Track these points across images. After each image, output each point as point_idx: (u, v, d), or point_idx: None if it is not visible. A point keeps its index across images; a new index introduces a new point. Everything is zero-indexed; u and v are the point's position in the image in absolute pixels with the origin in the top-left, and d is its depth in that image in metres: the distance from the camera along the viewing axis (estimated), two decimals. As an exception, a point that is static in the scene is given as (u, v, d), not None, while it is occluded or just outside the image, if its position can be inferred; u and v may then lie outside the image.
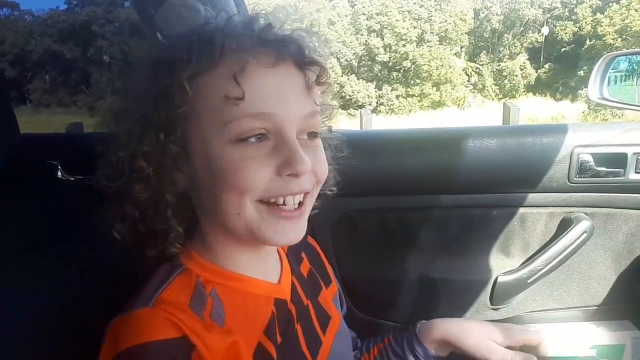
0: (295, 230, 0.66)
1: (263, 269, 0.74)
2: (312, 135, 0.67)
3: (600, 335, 1.31)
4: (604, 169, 1.24)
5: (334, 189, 0.82)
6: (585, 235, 1.26)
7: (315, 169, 0.66)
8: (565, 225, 1.29)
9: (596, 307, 1.34)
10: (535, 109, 17.30)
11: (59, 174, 1.22)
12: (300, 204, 0.66)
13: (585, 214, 1.28)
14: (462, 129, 1.38)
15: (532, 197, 1.28)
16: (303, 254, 0.89)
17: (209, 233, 0.70)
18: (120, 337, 0.59)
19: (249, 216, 0.63)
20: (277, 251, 0.81)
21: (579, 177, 1.25)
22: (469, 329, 0.95)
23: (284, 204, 0.64)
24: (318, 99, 0.67)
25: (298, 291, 0.79)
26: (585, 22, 21.31)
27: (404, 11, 22.44)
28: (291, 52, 0.63)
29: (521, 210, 1.29)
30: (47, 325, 0.69)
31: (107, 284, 0.78)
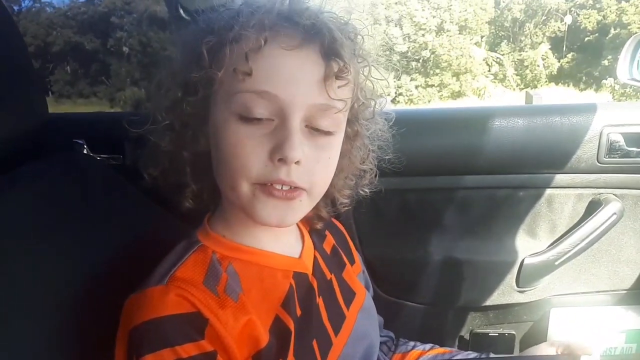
0: (284, 212, 0.63)
1: (282, 244, 0.73)
2: (322, 132, 0.63)
3: (630, 319, 1.29)
4: (634, 149, 1.20)
5: (367, 190, 0.81)
6: (614, 216, 1.22)
7: (314, 168, 0.63)
8: (593, 206, 1.25)
9: (625, 291, 1.31)
10: (558, 99, 17.00)
11: (85, 152, 1.24)
12: (291, 189, 0.63)
13: (615, 195, 1.25)
14: (487, 108, 1.36)
15: (559, 177, 1.25)
16: (327, 232, 0.88)
17: (227, 205, 0.71)
18: (135, 313, 0.60)
19: (242, 193, 0.63)
20: (300, 229, 0.80)
21: (608, 158, 1.21)
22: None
23: (272, 185, 0.62)
24: (336, 93, 0.62)
25: (321, 266, 0.78)
26: (610, 11, 20.86)
27: (423, 0, 22.20)
28: (320, 39, 0.61)
29: (548, 191, 1.26)
30: (63, 302, 0.69)
31: (126, 260, 0.79)
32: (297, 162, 0.60)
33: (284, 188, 0.62)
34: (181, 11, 1.08)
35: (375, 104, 0.74)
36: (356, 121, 0.72)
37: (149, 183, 0.70)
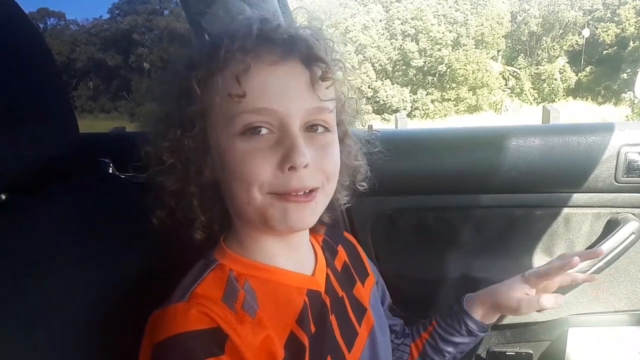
0: (302, 214, 0.67)
1: (296, 261, 0.76)
2: (320, 130, 0.69)
3: (650, 340, 1.27)
4: (653, 168, 1.21)
5: (364, 184, 0.85)
6: (633, 236, 1.22)
7: (321, 165, 0.67)
8: (611, 226, 1.25)
9: (645, 311, 1.30)
10: (576, 113, 16.84)
11: (110, 171, 1.28)
12: (307, 193, 0.67)
13: (633, 214, 1.25)
14: (504, 127, 1.36)
15: (577, 197, 1.26)
16: (339, 248, 0.90)
17: (239, 226, 0.74)
18: (158, 329, 0.62)
19: (258, 204, 0.66)
20: (312, 245, 0.83)
21: (626, 177, 1.21)
22: (513, 286, 1.00)
23: (287, 194, 0.66)
24: (325, 94, 0.67)
25: (333, 283, 0.81)
26: (629, 24, 20.68)
27: (439, 15, 22.30)
28: (298, 50, 0.66)
29: (566, 210, 1.27)
30: (88, 316, 0.71)
31: (150, 278, 0.81)
32: (305, 166, 0.64)
33: (299, 193, 0.66)
34: (206, 36, 1.12)
35: (356, 102, 0.79)
36: (343, 121, 0.77)
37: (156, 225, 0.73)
